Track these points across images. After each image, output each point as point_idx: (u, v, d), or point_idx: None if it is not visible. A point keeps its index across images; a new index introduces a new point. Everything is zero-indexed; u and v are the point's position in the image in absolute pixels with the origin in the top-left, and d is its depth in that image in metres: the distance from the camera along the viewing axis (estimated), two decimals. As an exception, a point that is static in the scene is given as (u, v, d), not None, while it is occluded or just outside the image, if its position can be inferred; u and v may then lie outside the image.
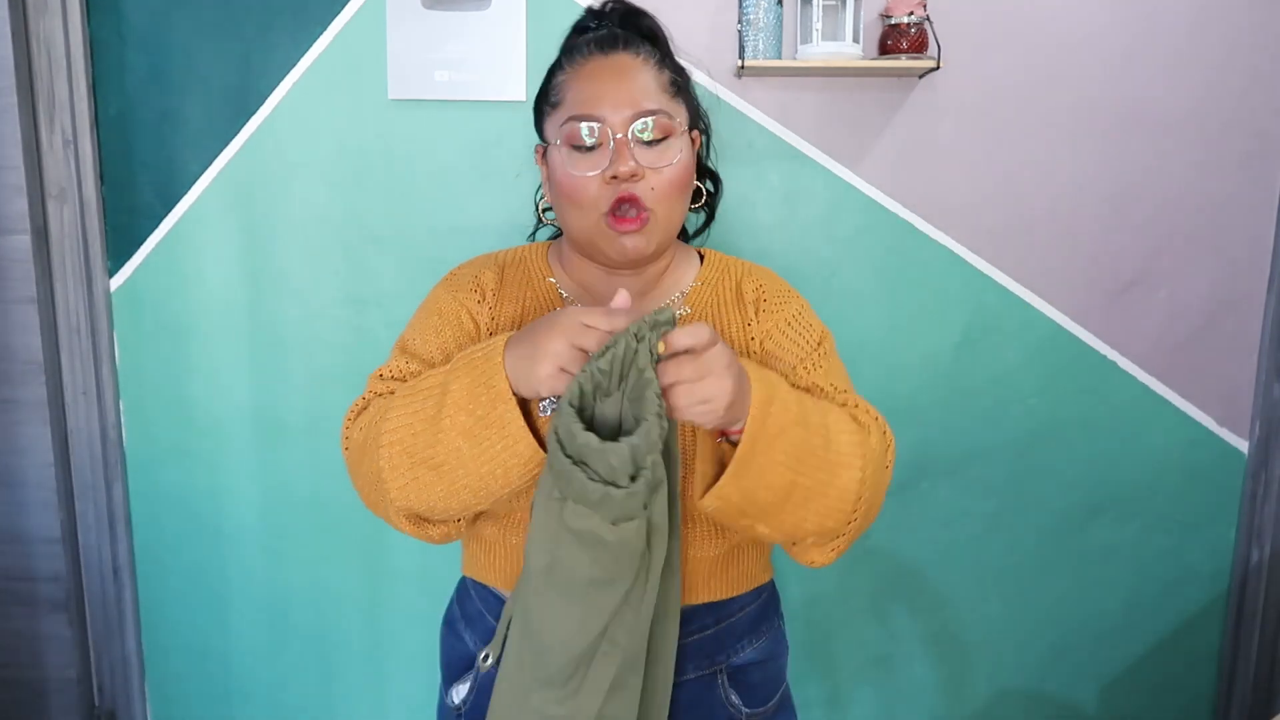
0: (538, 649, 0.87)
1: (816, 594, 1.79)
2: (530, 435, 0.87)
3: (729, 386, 0.84)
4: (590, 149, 0.99)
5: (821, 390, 1.01)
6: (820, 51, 1.54)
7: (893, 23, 1.55)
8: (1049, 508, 1.77)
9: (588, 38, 1.05)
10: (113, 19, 1.63)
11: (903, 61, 1.54)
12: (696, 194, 1.11)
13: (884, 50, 1.57)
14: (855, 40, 1.54)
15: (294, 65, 1.64)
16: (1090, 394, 1.73)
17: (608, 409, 0.84)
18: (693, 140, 1.06)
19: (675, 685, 1.00)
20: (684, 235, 1.20)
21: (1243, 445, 1.76)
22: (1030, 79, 1.63)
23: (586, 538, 0.81)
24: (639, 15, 1.08)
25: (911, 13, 1.53)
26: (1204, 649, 1.83)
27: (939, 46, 1.55)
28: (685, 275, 1.11)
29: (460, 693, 1.09)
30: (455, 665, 1.12)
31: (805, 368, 1.02)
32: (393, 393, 0.99)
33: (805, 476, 0.89)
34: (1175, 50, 1.62)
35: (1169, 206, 1.67)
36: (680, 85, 1.05)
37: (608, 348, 0.82)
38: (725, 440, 0.92)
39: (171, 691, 1.86)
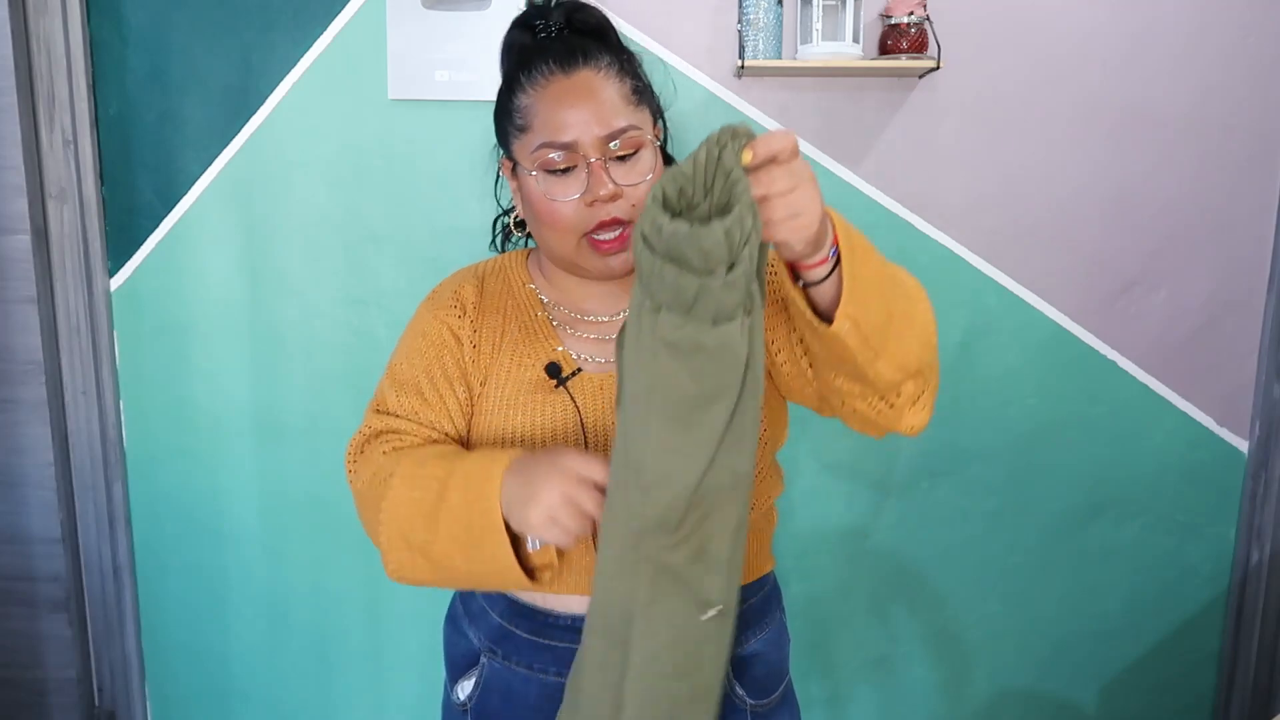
0: (644, 486, 0.78)
1: (817, 593, 1.79)
2: (518, 568, 0.90)
3: (819, 199, 0.79)
4: (566, 175, 0.99)
5: None
6: (820, 51, 1.54)
7: (893, 23, 1.55)
8: (1049, 508, 1.77)
9: (547, 57, 1.02)
10: (113, 19, 1.63)
11: (903, 61, 1.54)
12: None
13: (884, 50, 1.57)
14: (855, 40, 1.54)
15: (294, 65, 1.64)
16: (1090, 394, 1.73)
17: (694, 213, 0.76)
18: (655, 136, 1.06)
19: None
20: None
21: (1243, 445, 1.76)
22: (1030, 79, 1.63)
23: (684, 347, 0.73)
24: (584, 10, 1.06)
25: (911, 13, 1.53)
26: (1204, 649, 1.83)
27: (939, 46, 1.55)
28: None
29: (466, 689, 1.09)
30: (460, 662, 1.12)
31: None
32: (395, 435, 1.03)
33: (894, 301, 0.88)
34: (1175, 50, 1.62)
35: (1169, 207, 1.67)
36: (640, 90, 1.04)
37: (690, 157, 0.74)
38: (800, 284, 0.87)
39: (171, 691, 1.86)
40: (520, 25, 1.08)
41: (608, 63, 1.03)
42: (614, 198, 0.98)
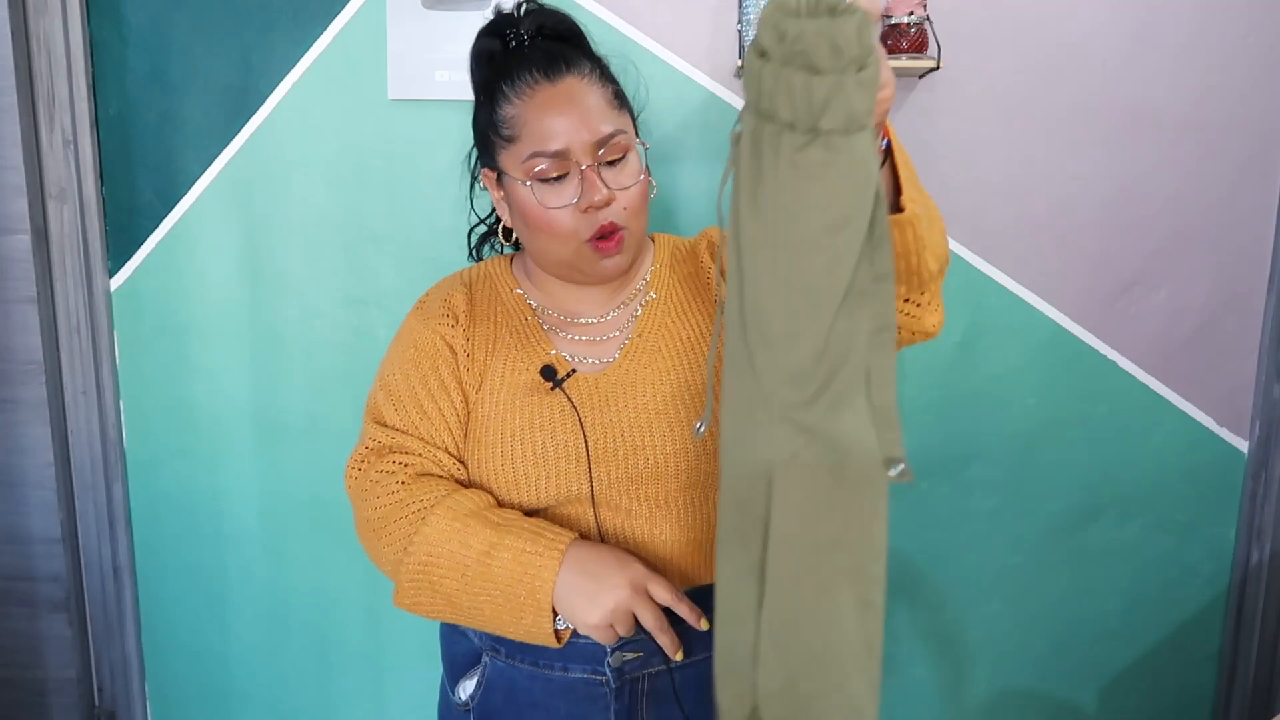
0: (770, 337, 0.71)
1: (816, 594, 1.79)
2: (552, 637, 0.96)
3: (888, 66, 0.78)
4: (557, 179, 1.00)
5: None
6: (820, 51, 1.53)
7: (893, 23, 1.55)
8: (1049, 508, 1.77)
9: (529, 65, 1.03)
10: (113, 19, 1.63)
11: (903, 61, 1.54)
12: None
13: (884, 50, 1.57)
14: (855, 40, 1.54)
15: (294, 65, 1.64)
16: (1090, 394, 1.73)
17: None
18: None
19: (689, 665, 1.02)
20: None
21: (1243, 445, 1.76)
22: (1030, 79, 1.63)
23: (815, 165, 0.66)
24: (555, 17, 1.07)
25: (911, 13, 1.53)
26: (1204, 649, 1.83)
27: (939, 46, 1.55)
28: (644, 265, 1.15)
29: (468, 688, 1.10)
30: (460, 661, 1.12)
31: None
32: (404, 454, 1.04)
33: (923, 197, 0.90)
34: (1175, 50, 1.62)
35: (1169, 207, 1.67)
36: (620, 94, 1.07)
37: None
38: None
39: (171, 692, 1.86)
40: (489, 33, 1.08)
41: (589, 69, 1.04)
42: (608, 202, 1.00)
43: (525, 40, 1.06)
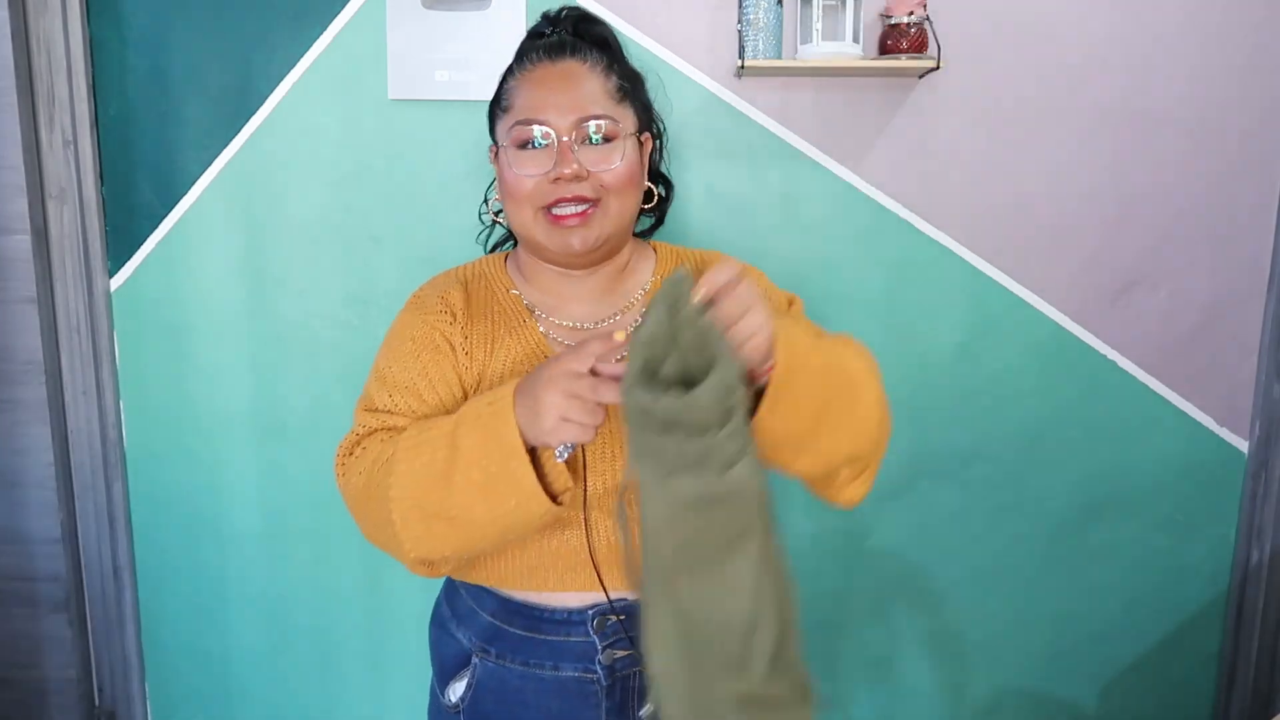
0: (707, 637, 0.82)
1: (817, 594, 1.79)
2: (543, 493, 0.90)
3: (769, 313, 0.84)
4: (536, 150, 1.02)
5: None
6: (820, 51, 1.54)
7: (893, 23, 1.55)
8: (1049, 508, 1.77)
9: (539, 44, 1.07)
10: (113, 19, 1.63)
11: (903, 61, 1.54)
12: (648, 195, 1.13)
13: (884, 50, 1.57)
14: (855, 40, 1.54)
15: (294, 65, 1.64)
16: (1090, 394, 1.73)
17: (669, 370, 0.80)
18: (642, 142, 1.08)
19: None
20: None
21: (1243, 445, 1.76)
22: (1030, 79, 1.63)
23: (705, 501, 0.78)
24: (592, 22, 1.11)
25: (911, 13, 1.53)
26: (1204, 649, 1.83)
27: (939, 46, 1.55)
28: (643, 272, 1.13)
29: (458, 690, 1.09)
30: (450, 664, 1.12)
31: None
32: (389, 430, 1.02)
33: (835, 396, 0.91)
34: (1175, 50, 1.62)
35: (1169, 206, 1.67)
36: (628, 91, 1.07)
37: (638, 326, 0.80)
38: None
39: (171, 691, 1.86)
40: (532, 35, 1.12)
41: (595, 59, 1.06)
42: (576, 177, 1.00)
43: (556, 37, 1.09)
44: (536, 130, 1.01)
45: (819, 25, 1.54)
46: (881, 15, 1.57)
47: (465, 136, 1.66)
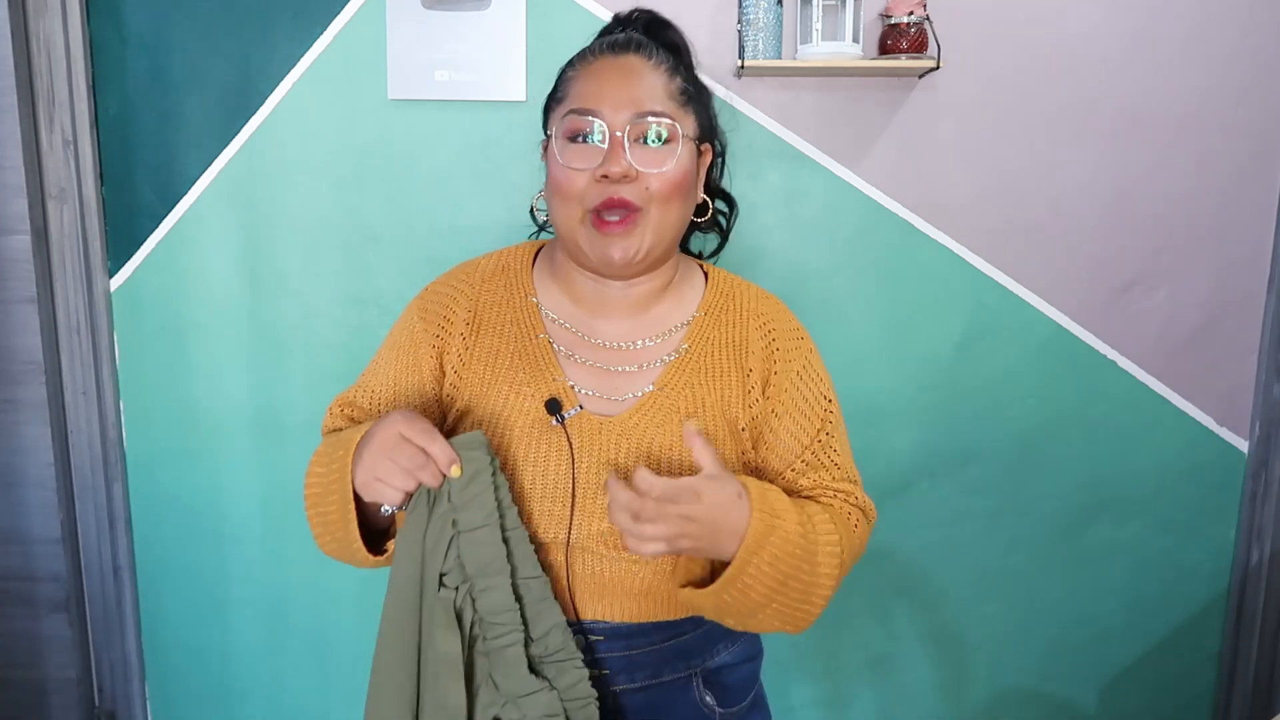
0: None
1: (816, 594, 1.79)
2: (362, 546, 0.94)
3: (705, 532, 0.87)
4: (586, 143, 0.96)
5: (819, 483, 1.02)
6: (820, 51, 1.54)
7: (893, 23, 1.55)
8: (1049, 508, 1.77)
9: (604, 40, 1.03)
10: (113, 19, 1.63)
11: (903, 61, 1.54)
12: (701, 209, 1.06)
13: (884, 50, 1.57)
14: (855, 40, 1.54)
15: (294, 65, 1.64)
16: (1090, 394, 1.73)
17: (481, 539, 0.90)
18: (701, 152, 1.02)
19: (652, 686, 1.01)
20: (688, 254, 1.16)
21: (1243, 445, 1.76)
22: (1030, 79, 1.63)
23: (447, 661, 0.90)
24: (663, 26, 1.06)
25: (911, 12, 1.53)
26: (1204, 649, 1.83)
27: (939, 46, 1.55)
28: (688, 298, 1.06)
29: None
30: None
31: (804, 460, 1.01)
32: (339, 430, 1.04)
33: (783, 597, 0.92)
34: (1175, 50, 1.62)
35: (1169, 206, 1.67)
36: (691, 95, 1.01)
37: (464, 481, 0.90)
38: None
39: (171, 691, 1.86)
40: (601, 33, 1.08)
41: (661, 58, 1.00)
42: (625, 176, 0.94)
43: (623, 33, 1.05)
44: (589, 120, 0.95)
45: (819, 25, 1.54)
46: (881, 15, 1.57)
47: (465, 136, 1.66)
